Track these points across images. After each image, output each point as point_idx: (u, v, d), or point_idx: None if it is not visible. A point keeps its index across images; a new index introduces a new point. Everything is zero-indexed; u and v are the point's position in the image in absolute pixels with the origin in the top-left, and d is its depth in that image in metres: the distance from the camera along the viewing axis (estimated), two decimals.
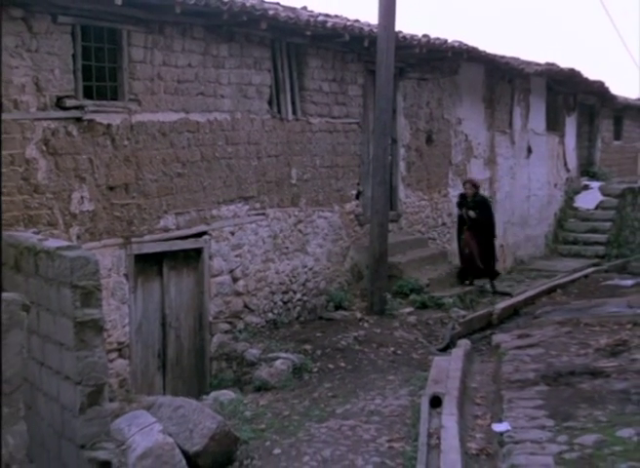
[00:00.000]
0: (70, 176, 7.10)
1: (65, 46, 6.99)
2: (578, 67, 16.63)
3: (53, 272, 5.42)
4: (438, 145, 12.82)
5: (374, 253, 10.21)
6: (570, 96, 17.94)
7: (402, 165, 11.97)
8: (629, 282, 12.25)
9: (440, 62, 12.46)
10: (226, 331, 8.77)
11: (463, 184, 12.12)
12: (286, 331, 9.24)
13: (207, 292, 8.55)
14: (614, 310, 9.41)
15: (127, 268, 7.62)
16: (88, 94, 7.30)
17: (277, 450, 5.86)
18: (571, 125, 18.22)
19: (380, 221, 10.19)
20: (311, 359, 8.31)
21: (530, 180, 16.09)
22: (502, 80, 14.58)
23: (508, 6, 51.92)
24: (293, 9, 9.86)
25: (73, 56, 7.08)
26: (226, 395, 7.40)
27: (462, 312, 10.43)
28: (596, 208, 17.38)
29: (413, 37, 11.16)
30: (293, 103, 9.80)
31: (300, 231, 9.94)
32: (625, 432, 5.26)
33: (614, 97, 19.59)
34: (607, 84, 18.40)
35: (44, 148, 6.86)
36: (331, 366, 8.22)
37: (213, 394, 7.51)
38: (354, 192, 10.92)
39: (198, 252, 8.47)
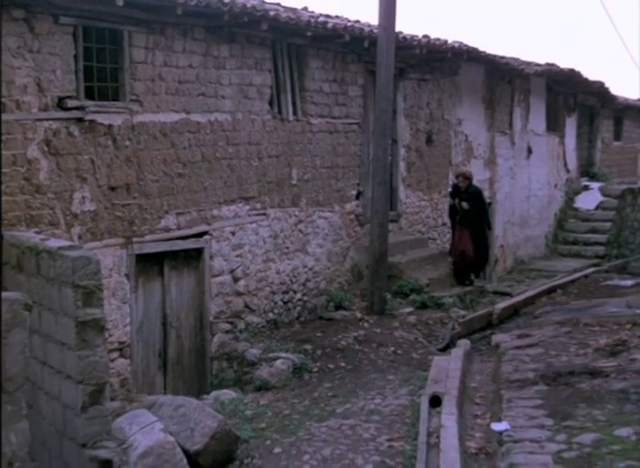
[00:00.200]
0: (72, 177, 7.13)
1: (67, 47, 7.02)
2: (578, 68, 16.70)
3: (54, 272, 5.45)
4: (438, 146, 12.85)
5: (374, 253, 10.24)
6: (570, 96, 17.97)
7: (402, 165, 12.01)
8: (629, 282, 12.27)
9: (440, 63, 12.49)
10: (227, 331, 8.80)
11: (456, 177, 11.97)
12: (286, 331, 9.27)
13: (208, 291, 8.58)
14: (613, 310, 9.44)
15: (128, 268, 7.65)
16: (89, 94, 7.34)
17: (277, 449, 5.89)
18: (571, 125, 18.25)
19: (381, 221, 10.22)
20: (311, 359, 8.33)
21: (530, 181, 16.12)
22: (502, 80, 14.61)
23: (508, 6, 51.98)
24: (293, 10, 9.90)
25: (75, 56, 7.12)
26: (227, 394, 7.44)
27: (462, 312, 10.46)
28: (596, 208, 17.42)
29: (413, 38, 11.20)
30: (293, 104, 9.83)
31: (300, 231, 9.97)
32: (624, 431, 5.28)
33: (614, 98, 19.62)
34: (607, 84, 18.46)
35: (46, 148, 6.90)
36: (331, 365, 8.25)
37: (213, 393, 7.55)
38: (354, 192, 10.95)
39: (199, 251, 8.50)
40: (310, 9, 10.81)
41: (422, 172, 12.46)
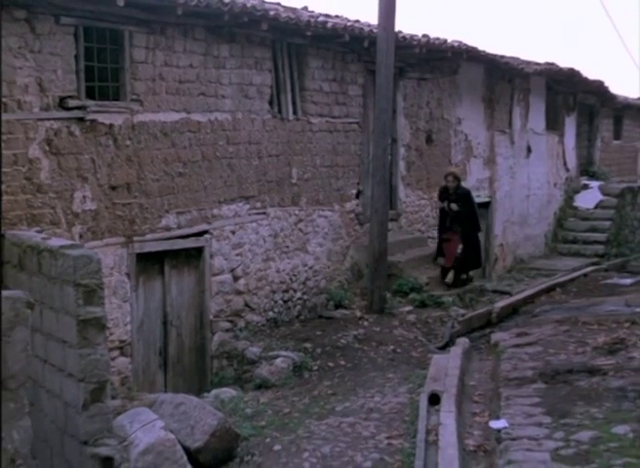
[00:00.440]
0: (73, 176, 7.17)
1: (68, 47, 7.05)
2: (577, 67, 16.70)
3: (56, 270, 5.48)
4: (438, 145, 12.88)
5: (373, 251, 10.28)
6: (569, 95, 17.99)
7: (402, 164, 12.04)
8: (628, 281, 12.31)
9: (440, 62, 12.52)
10: (227, 330, 8.83)
11: (445, 177, 11.65)
12: (286, 330, 9.30)
13: (208, 290, 8.62)
14: (612, 309, 9.48)
15: (129, 267, 7.68)
16: (90, 94, 7.37)
17: (277, 447, 5.93)
18: (570, 124, 18.27)
19: (380, 220, 10.25)
20: (311, 357, 8.37)
21: (529, 180, 16.15)
22: (502, 80, 14.63)
23: (508, 6, 51.98)
24: (293, 9, 9.92)
25: (76, 56, 7.15)
26: (227, 393, 7.47)
27: (462, 311, 10.50)
28: (596, 207, 17.43)
29: (412, 37, 11.23)
30: (293, 103, 9.87)
31: (300, 230, 10.01)
32: (621, 429, 5.32)
33: (613, 97, 19.64)
34: (607, 83, 18.47)
35: (47, 148, 6.93)
36: (331, 364, 8.29)
37: (214, 392, 7.58)
38: (354, 191, 10.99)
39: (199, 250, 8.54)
40: (310, 9, 10.84)
41: (422, 171, 12.49)
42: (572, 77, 16.65)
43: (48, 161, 6.94)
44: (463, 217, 11.34)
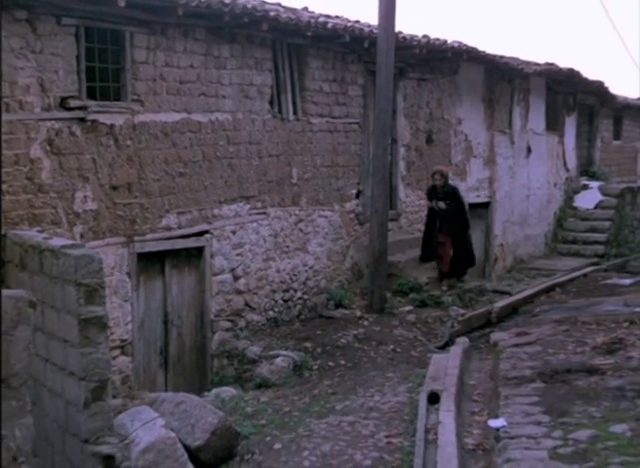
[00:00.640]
0: (74, 176, 7.20)
1: (69, 47, 7.09)
2: (577, 67, 16.73)
3: (57, 270, 5.52)
4: (438, 145, 12.91)
5: (373, 251, 10.31)
6: (569, 95, 18.01)
7: (402, 164, 12.07)
8: (628, 281, 12.33)
9: (440, 63, 12.55)
10: (227, 329, 8.87)
11: (432, 175, 11.51)
12: (286, 329, 9.33)
13: (208, 290, 8.65)
14: (611, 309, 9.50)
15: (129, 267, 7.72)
16: (91, 94, 7.40)
17: (277, 445, 5.96)
18: (570, 125, 18.30)
19: (380, 220, 10.29)
20: (311, 356, 8.41)
21: (529, 180, 16.18)
22: (502, 80, 14.66)
23: (508, 6, 52.01)
24: (294, 10, 9.95)
25: (77, 57, 7.19)
26: (227, 392, 7.51)
27: (461, 311, 10.52)
28: (595, 207, 17.45)
29: (413, 38, 11.26)
30: (294, 104, 9.90)
31: (300, 230, 10.04)
32: (619, 427, 5.35)
33: (613, 97, 19.65)
34: (606, 84, 18.49)
35: (48, 148, 6.97)
36: (331, 363, 8.32)
37: (214, 391, 7.61)
38: (354, 191, 11.02)
39: (200, 250, 8.57)
40: (310, 9, 10.86)
41: (422, 171, 12.51)
42: (572, 77, 16.67)
43: (49, 161, 6.97)
44: (452, 216, 11.15)
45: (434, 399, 6.40)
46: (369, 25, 10.84)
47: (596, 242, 16.43)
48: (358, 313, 10.00)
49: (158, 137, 8.00)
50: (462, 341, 8.56)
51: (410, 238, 12.00)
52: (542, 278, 13.63)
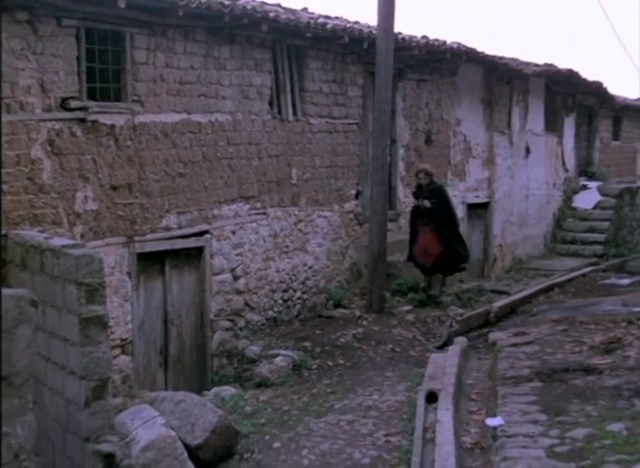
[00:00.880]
0: (74, 176, 7.24)
1: (70, 48, 7.12)
2: (576, 68, 16.75)
3: (58, 270, 5.56)
4: (437, 146, 12.94)
5: (373, 251, 10.35)
6: (568, 96, 18.05)
7: (401, 165, 12.11)
8: (626, 281, 12.39)
9: (439, 64, 12.58)
10: (227, 329, 8.90)
11: (416, 174, 11.19)
12: (286, 329, 9.37)
13: (208, 290, 8.69)
14: (609, 308, 9.55)
15: (130, 266, 7.75)
16: (92, 95, 7.43)
17: (277, 444, 6.01)
18: (569, 125, 18.34)
19: (379, 221, 10.33)
20: (311, 356, 8.44)
21: (528, 180, 16.21)
22: (501, 81, 14.70)
23: (507, 7, 52.05)
24: (293, 11, 9.99)
25: (77, 58, 7.21)
26: (227, 391, 7.55)
27: (460, 310, 10.57)
28: (594, 207, 17.48)
29: (412, 39, 11.29)
30: (293, 104, 9.93)
31: (300, 230, 10.08)
32: (615, 426, 5.40)
33: (612, 98, 19.68)
34: (606, 84, 18.52)
35: (49, 149, 7.00)
36: (330, 363, 8.36)
37: (214, 390, 7.65)
38: (354, 192, 11.05)
39: (200, 250, 8.61)
40: (310, 10, 10.89)
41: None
42: (571, 78, 16.71)
43: (50, 161, 7.01)
44: (438, 214, 10.80)
45: (432, 398, 6.45)
46: (368, 26, 10.88)
47: (595, 242, 16.47)
48: (357, 313, 10.04)
49: (158, 138, 8.04)
50: (461, 341, 8.61)
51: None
52: (541, 278, 13.69)
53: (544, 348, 7.91)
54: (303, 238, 10.14)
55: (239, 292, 9.11)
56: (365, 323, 9.70)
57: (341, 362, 8.39)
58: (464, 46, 12.32)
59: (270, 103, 9.56)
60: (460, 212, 13.59)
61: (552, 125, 17.34)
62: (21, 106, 6.76)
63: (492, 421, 5.91)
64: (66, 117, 7.13)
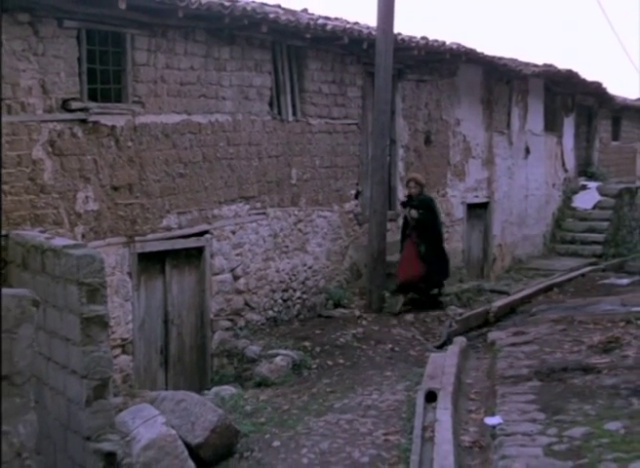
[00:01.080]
0: (75, 177, 7.27)
1: (71, 49, 7.16)
2: (576, 68, 16.76)
3: (59, 270, 5.59)
4: (436, 146, 12.98)
5: (372, 251, 10.39)
6: (568, 96, 18.08)
7: (401, 165, 12.14)
8: (625, 281, 12.41)
9: (438, 64, 12.61)
10: (227, 329, 8.94)
11: (407, 182, 10.86)
12: (286, 329, 9.41)
13: (208, 289, 8.72)
14: (608, 308, 9.57)
15: (130, 266, 7.79)
16: (93, 96, 7.47)
17: (276, 443, 6.05)
18: (569, 125, 18.37)
19: (379, 221, 10.36)
20: (310, 355, 8.48)
21: (528, 180, 16.24)
22: (500, 81, 14.73)
23: (507, 7, 52.08)
24: (293, 12, 10.02)
25: (78, 59, 7.26)
26: (227, 390, 7.58)
27: (460, 310, 10.61)
28: (594, 207, 17.51)
29: (411, 39, 11.32)
30: (293, 105, 9.97)
31: (299, 230, 10.11)
32: (613, 425, 5.42)
33: (612, 98, 19.71)
34: (605, 85, 18.56)
35: (50, 149, 7.04)
36: (330, 362, 8.40)
37: (214, 389, 7.69)
38: (353, 192, 11.08)
39: (200, 250, 8.64)
40: (310, 11, 10.93)
41: (421, 171, 12.53)
42: (570, 78, 16.74)
43: (51, 162, 7.05)
44: (424, 226, 10.46)
45: (432, 397, 6.48)
46: (368, 27, 10.91)
47: (594, 242, 16.50)
48: (357, 312, 10.08)
49: (159, 139, 8.07)
50: (460, 341, 8.64)
51: None
52: (541, 278, 13.72)
53: (543, 348, 7.93)
54: (303, 238, 10.18)
55: (239, 292, 9.15)
56: (364, 322, 9.75)
57: (341, 361, 8.43)
58: (464, 46, 12.36)
59: (270, 104, 9.60)
60: (460, 212, 13.66)
61: (552, 125, 17.37)
62: (23, 107, 6.80)
63: (490, 420, 5.94)
64: (67, 118, 7.17)
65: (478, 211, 14.35)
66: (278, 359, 8.15)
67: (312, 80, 10.22)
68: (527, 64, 15.04)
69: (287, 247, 9.90)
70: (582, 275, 13.37)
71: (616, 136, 22.02)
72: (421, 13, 45.24)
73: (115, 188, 7.65)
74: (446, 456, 5.21)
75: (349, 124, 10.92)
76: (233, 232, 9.07)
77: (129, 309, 7.79)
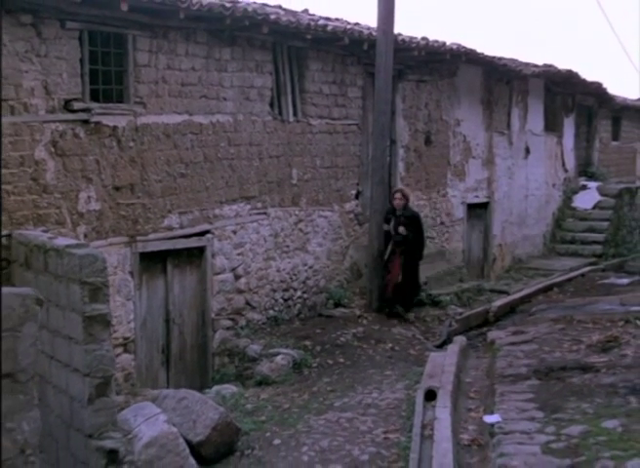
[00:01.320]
0: (78, 177, 7.32)
1: (73, 51, 7.21)
2: (576, 69, 16.80)
3: (62, 269, 5.64)
4: (437, 146, 13.02)
5: (372, 251, 10.43)
6: (568, 97, 18.11)
7: (401, 165, 12.18)
8: (625, 280, 12.47)
9: (439, 64, 12.65)
10: (228, 328, 8.98)
11: (393, 194, 10.37)
12: (286, 328, 9.45)
13: (209, 289, 8.77)
14: (607, 308, 9.62)
15: (132, 266, 7.83)
16: (95, 97, 7.52)
17: (277, 441, 6.10)
18: (569, 125, 18.40)
19: (379, 221, 10.39)
20: (311, 354, 8.53)
21: (528, 180, 16.28)
22: (500, 81, 14.76)
23: (507, 8, 52.09)
24: (294, 13, 10.05)
25: (81, 60, 7.30)
26: (228, 389, 7.64)
27: (460, 310, 10.66)
28: (594, 207, 17.55)
29: (411, 40, 11.36)
30: (294, 105, 10.01)
31: (300, 230, 10.16)
32: (610, 423, 5.48)
33: (612, 98, 19.74)
34: (605, 85, 18.59)
35: (52, 150, 7.09)
36: (330, 361, 8.45)
37: (215, 388, 7.74)
38: (354, 192, 11.12)
39: (201, 250, 8.69)
40: (311, 11, 10.96)
41: (421, 172, 12.64)
42: (570, 79, 16.77)
43: (53, 162, 7.10)
44: (409, 244, 10.12)
45: (431, 396, 6.53)
46: (368, 28, 10.95)
47: (594, 242, 16.53)
48: (357, 312, 10.12)
49: (160, 139, 8.12)
50: (460, 340, 8.70)
51: None
52: (541, 278, 13.77)
53: (542, 347, 7.98)
54: (304, 238, 10.22)
55: (240, 292, 9.19)
56: (365, 322, 9.79)
57: (341, 360, 8.48)
58: (464, 47, 12.39)
59: (271, 104, 9.64)
60: (460, 212, 13.70)
61: (552, 125, 17.41)
62: (25, 108, 6.85)
63: (489, 418, 5.99)
64: (70, 118, 7.22)
65: (478, 211, 14.40)
66: (279, 358, 8.19)
67: (313, 81, 10.26)
68: (527, 65, 15.07)
69: (288, 246, 9.94)
70: (582, 275, 13.43)
71: (616, 137, 22.04)
72: (422, 13, 45.26)
73: (117, 188, 7.69)
74: (445, 454, 5.26)
75: (350, 124, 10.96)
76: (234, 232, 9.11)
77: (131, 308, 7.84)
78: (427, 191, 12.80)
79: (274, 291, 9.73)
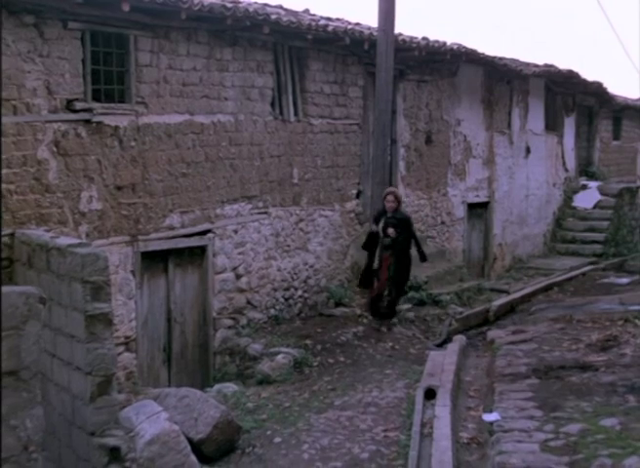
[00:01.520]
0: (79, 177, 7.36)
1: (75, 51, 7.25)
2: (576, 68, 16.84)
3: (64, 268, 5.68)
4: (437, 146, 13.05)
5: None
6: (568, 96, 18.13)
7: (401, 165, 12.21)
8: (625, 280, 12.50)
9: (439, 64, 12.68)
10: (230, 327, 9.02)
11: (385, 196, 9.83)
12: (287, 327, 9.48)
13: (211, 288, 8.80)
14: (606, 307, 9.66)
15: (134, 265, 7.87)
16: (96, 97, 7.57)
17: (278, 439, 6.14)
18: (570, 125, 18.42)
19: None
20: (312, 353, 8.55)
21: (528, 180, 16.31)
22: (501, 81, 14.79)
23: (507, 8, 52.09)
24: (295, 13, 10.10)
25: (83, 60, 7.34)
26: (229, 387, 7.68)
27: (460, 309, 10.68)
28: (594, 207, 17.57)
29: (412, 40, 11.39)
30: (294, 105, 10.04)
31: (301, 229, 10.19)
32: (609, 421, 5.52)
33: (612, 98, 19.77)
34: (606, 85, 18.62)
35: (54, 149, 7.13)
36: (330, 360, 8.48)
37: (216, 386, 7.79)
38: (354, 191, 11.16)
39: (202, 249, 8.73)
40: (312, 11, 11.00)
41: (422, 171, 12.67)
42: (570, 78, 16.80)
43: (56, 162, 7.14)
44: (399, 247, 9.65)
45: (431, 394, 6.56)
46: (369, 28, 10.99)
47: (594, 241, 16.56)
48: (358, 311, 10.14)
49: (162, 139, 8.16)
50: (460, 339, 8.73)
51: None
52: (541, 277, 13.79)
53: (542, 346, 8.02)
54: (305, 237, 10.26)
55: (241, 291, 9.23)
56: (365, 321, 9.81)
57: (342, 359, 8.51)
58: (464, 47, 12.43)
59: (272, 104, 9.68)
60: (461, 211, 13.73)
61: (552, 125, 17.43)
62: (28, 108, 6.89)
63: (488, 417, 6.03)
64: (72, 118, 7.26)
65: (479, 210, 14.43)
66: (279, 357, 8.23)
67: (314, 80, 10.29)
68: (527, 64, 15.11)
69: (288, 246, 9.98)
70: (583, 274, 13.46)
71: (616, 136, 22.05)
72: (422, 13, 45.28)
73: (119, 188, 7.73)
74: (444, 452, 5.30)
75: (351, 124, 10.99)
76: (235, 231, 9.15)
77: (132, 307, 7.88)
78: (428, 190, 12.84)
79: (275, 290, 9.77)
